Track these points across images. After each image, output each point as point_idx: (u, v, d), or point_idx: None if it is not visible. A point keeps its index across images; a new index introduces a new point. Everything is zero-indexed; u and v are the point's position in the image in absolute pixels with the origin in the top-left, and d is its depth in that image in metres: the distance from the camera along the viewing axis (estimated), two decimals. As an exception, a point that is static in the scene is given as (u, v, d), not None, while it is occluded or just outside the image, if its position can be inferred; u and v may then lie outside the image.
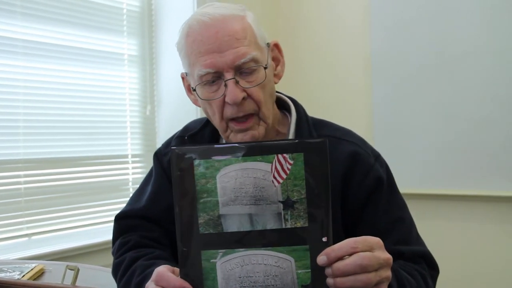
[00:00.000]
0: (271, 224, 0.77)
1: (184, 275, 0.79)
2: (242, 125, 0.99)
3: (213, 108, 1.00)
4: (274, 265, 0.77)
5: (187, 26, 1.01)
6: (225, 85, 0.97)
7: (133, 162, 2.59)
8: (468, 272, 2.58)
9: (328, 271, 0.75)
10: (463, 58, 2.54)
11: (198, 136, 1.11)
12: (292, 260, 0.77)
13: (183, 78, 1.09)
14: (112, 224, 1.16)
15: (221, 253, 0.78)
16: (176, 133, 1.19)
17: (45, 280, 1.22)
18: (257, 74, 0.98)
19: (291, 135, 1.06)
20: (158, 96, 2.71)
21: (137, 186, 1.21)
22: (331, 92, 2.94)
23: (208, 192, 0.78)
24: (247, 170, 0.77)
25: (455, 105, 2.56)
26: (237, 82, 0.96)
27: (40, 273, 1.26)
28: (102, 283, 1.19)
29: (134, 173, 2.58)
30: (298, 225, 0.77)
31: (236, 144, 0.80)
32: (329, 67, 2.96)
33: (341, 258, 0.75)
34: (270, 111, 1.02)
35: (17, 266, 1.28)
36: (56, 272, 1.25)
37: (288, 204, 0.77)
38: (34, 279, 1.21)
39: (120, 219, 1.15)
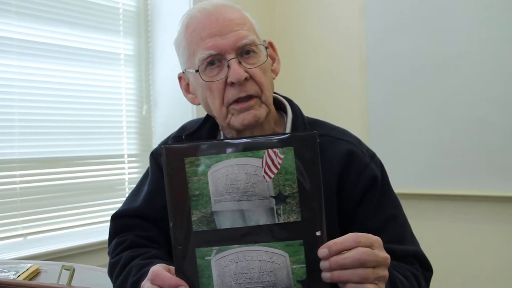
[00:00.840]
0: (264, 220, 0.77)
1: (179, 273, 0.79)
2: (244, 104, 0.99)
3: (214, 93, 1.00)
4: (269, 261, 0.77)
5: (187, 17, 1.03)
6: (228, 66, 0.98)
7: (129, 162, 2.59)
8: (465, 273, 2.58)
9: (324, 264, 0.75)
10: (458, 58, 2.55)
11: (196, 135, 1.12)
12: (287, 255, 0.77)
13: (180, 78, 1.09)
14: (108, 224, 1.16)
15: (215, 250, 0.78)
16: (173, 133, 1.19)
17: (41, 280, 1.22)
18: (258, 57, 1.01)
19: None
20: (154, 96, 2.71)
21: (133, 186, 1.21)
22: (327, 92, 2.94)
23: (200, 189, 0.78)
24: (238, 166, 0.77)
25: (450, 105, 2.57)
26: (239, 63, 0.98)
27: (36, 273, 1.25)
28: (97, 283, 1.18)
29: (130, 173, 2.58)
30: (291, 219, 0.77)
31: (227, 141, 0.80)
32: (325, 67, 2.96)
33: (341, 252, 0.75)
34: (270, 97, 1.03)
35: (12, 266, 1.27)
36: (51, 272, 1.25)
37: (280, 198, 0.77)
38: (30, 279, 1.21)
39: (116, 218, 1.15)
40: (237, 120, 1.00)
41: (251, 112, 0.99)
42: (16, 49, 2.13)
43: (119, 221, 1.14)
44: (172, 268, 0.82)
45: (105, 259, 1.14)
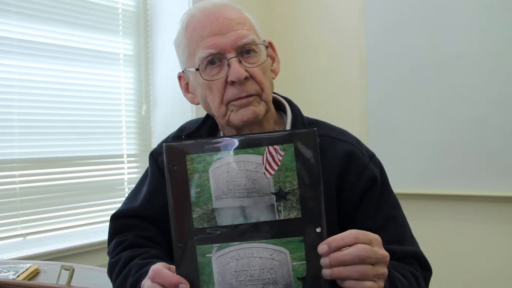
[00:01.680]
0: (265, 216, 0.77)
1: (180, 271, 0.79)
2: (243, 100, 0.99)
3: (214, 92, 1.00)
4: (270, 258, 0.77)
5: (187, 16, 1.03)
6: (228, 65, 0.98)
7: (129, 162, 2.59)
8: (464, 273, 2.58)
9: (324, 261, 0.75)
10: (458, 58, 2.55)
11: (195, 135, 1.12)
12: (287, 252, 0.77)
13: (180, 77, 1.09)
14: (107, 224, 1.16)
15: (216, 248, 0.78)
16: (172, 133, 1.19)
17: (40, 280, 1.22)
18: (258, 57, 1.01)
19: None
20: (153, 96, 2.71)
21: (133, 186, 1.21)
22: (326, 92, 2.94)
23: (201, 186, 0.78)
24: (239, 163, 0.78)
25: (450, 105, 2.57)
26: (239, 62, 0.98)
27: (35, 273, 1.25)
28: (97, 283, 1.18)
29: (129, 173, 2.58)
30: (292, 216, 0.77)
31: (228, 138, 0.80)
32: (325, 67, 2.96)
33: (340, 249, 0.75)
34: (270, 96, 1.03)
35: (12, 266, 1.27)
36: (51, 272, 1.25)
37: (280, 195, 0.77)
38: (29, 279, 1.21)
39: (116, 218, 1.15)
40: (236, 117, 1.00)
41: (250, 109, 0.99)
42: (15, 49, 2.13)
43: (118, 221, 1.14)
44: (172, 266, 0.82)
45: (105, 259, 1.14)
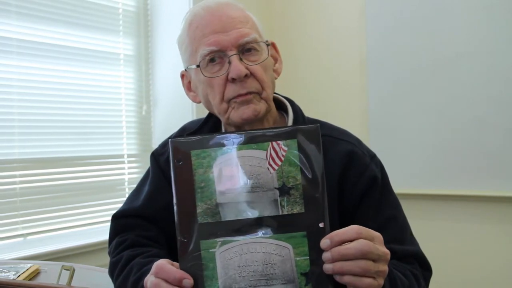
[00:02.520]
0: (268, 211, 0.78)
1: (183, 266, 0.79)
2: (244, 97, 0.99)
3: (215, 89, 1.00)
4: (273, 253, 0.78)
5: (190, 15, 1.04)
6: (229, 62, 0.98)
7: (129, 162, 2.59)
8: (464, 273, 2.58)
9: (326, 255, 0.76)
10: (458, 59, 2.55)
11: (197, 135, 1.12)
12: (290, 247, 0.78)
13: (182, 76, 1.10)
14: (108, 224, 1.16)
15: (219, 242, 0.79)
16: (173, 134, 1.19)
17: (41, 280, 1.22)
18: (260, 55, 1.01)
19: None
20: (154, 96, 2.71)
21: (133, 186, 1.21)
22: (327, 93, 2.94)
23: (205, 181, 0.79)
24: (243, 158, 0.79)
25: (450, 105, 2.58)
26: (240, 59, 0.98)
27: (36, 273, 1.25)
28: (97, 283, 1.18)
29: (130, 173, 2.58)
30: (295, 211, 0.78)
31: (232, 133, 0.81)
32: (325, 67, 2.96)
33: (343, 243, 0.75)
34: (271, 95, 1.03)
35: (12, 266, 1.27)
36: (51, 272, 1.24)
37: (284, 190, 0.78)
38: (30, 279, 1.21)
39: (117, 218, 1.15)
40: (237, 114, 1.00)
41: (251, 107, 0.99)
42: (15, 49, 2.13)
43: (119, 221, 1.14)
44: (176, 263, 0.82)
45: (105, 259, 1.14)
